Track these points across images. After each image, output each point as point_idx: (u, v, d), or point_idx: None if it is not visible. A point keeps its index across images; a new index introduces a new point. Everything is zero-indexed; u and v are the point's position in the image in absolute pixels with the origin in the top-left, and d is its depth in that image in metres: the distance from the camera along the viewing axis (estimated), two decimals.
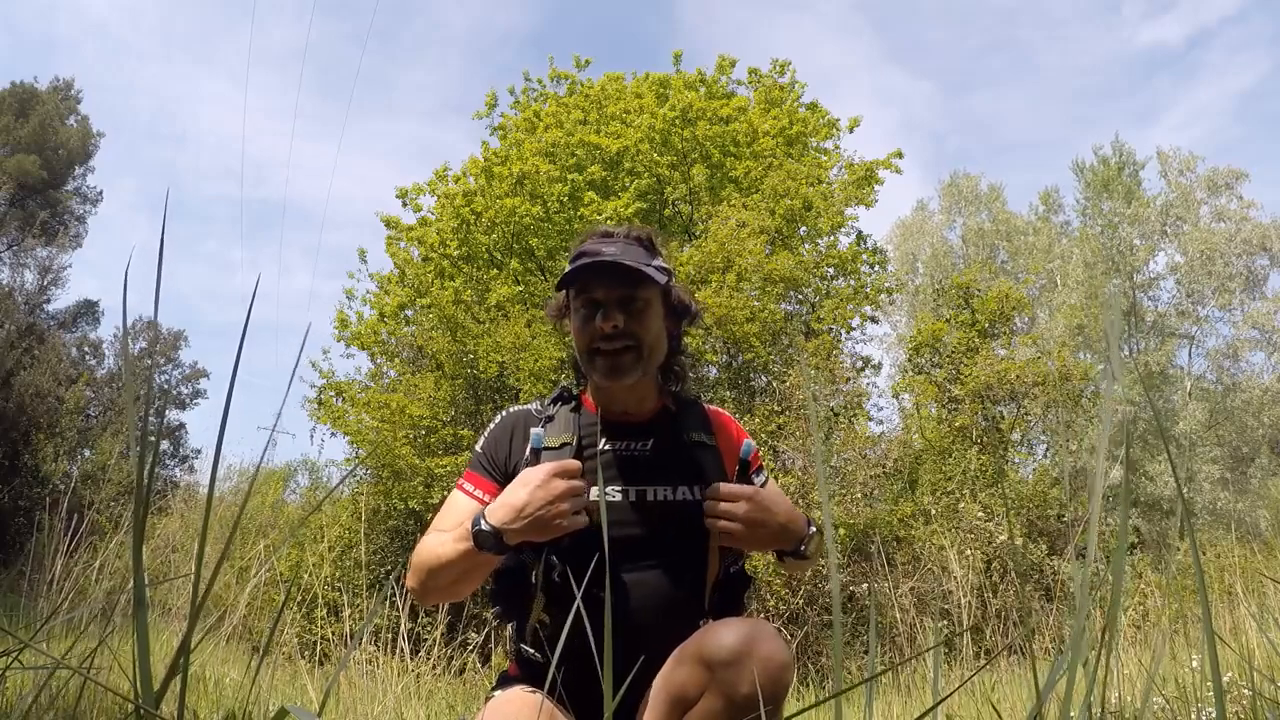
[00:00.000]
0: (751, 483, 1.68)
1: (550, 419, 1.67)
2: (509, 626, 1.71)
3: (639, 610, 1.52)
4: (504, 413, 1.74)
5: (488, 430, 1.71)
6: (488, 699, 1.58)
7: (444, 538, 1.53)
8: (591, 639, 0.85)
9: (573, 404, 1.68)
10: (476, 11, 40.74)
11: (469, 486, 1.64)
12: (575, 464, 1.47)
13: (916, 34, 39.44)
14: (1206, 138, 35.00)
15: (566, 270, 1.60)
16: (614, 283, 1.59)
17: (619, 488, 1.58)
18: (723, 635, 1.36)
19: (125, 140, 36.41)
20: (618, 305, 1.59)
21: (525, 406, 1.74)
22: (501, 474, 1.64)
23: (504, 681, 1.65)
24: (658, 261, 1.65)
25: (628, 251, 1.61)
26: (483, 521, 1.45)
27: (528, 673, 1.62)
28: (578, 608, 1.29)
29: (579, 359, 1.66)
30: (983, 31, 38.11)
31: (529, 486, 1.45)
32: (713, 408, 1.79)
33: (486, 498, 1.60)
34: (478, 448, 1.69)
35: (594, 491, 1.53)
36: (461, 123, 47.99)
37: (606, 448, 1.62)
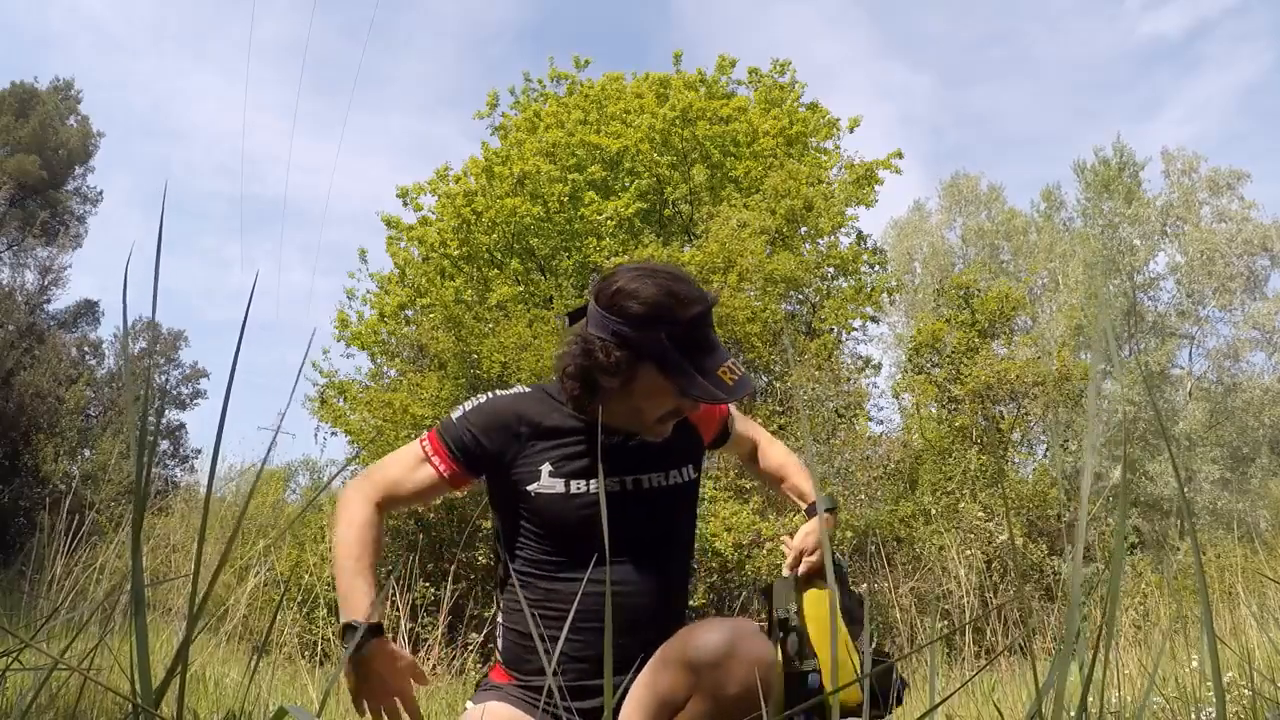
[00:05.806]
0: (731, 430, 1.83)
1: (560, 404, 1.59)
2: (501, 635, 1.65)
3: (636, 594, 1.52)
4: (492, 396, 1.62)
5: (476, 409, 1.59)
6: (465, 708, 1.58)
7: (350, 551, 1.48)
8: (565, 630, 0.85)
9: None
10: (471, 4, 40.58)
11: (430, 453, 1.55)
12: (417, 675, 1.50)
13: (915, 26, 39.31)
14: (1208, 132, 34.70)
15: (699, 375, 1.45)
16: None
17: (615, 479, 1.58)
18: (705, 637, 1.36)
19: (119, 137, 36.27)
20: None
21: (514, 393, 1.63)
22: (489, 461, 1.56)
23: (485, 689, 1.61)
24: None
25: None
26: (358, 631, 1.40)
27: (516, 675, 1.59)
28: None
29: (631, 422, 1.56)
30: (982, 23, 37.97)
31: (382, 666, 1.46)
32: None
33: (444, 471, 1.54)
34: (455, 417, 1.58)
35: (593, 484, 1.53)
36: (456, 117, 47.70)
37: (602, 441, 1.58)
